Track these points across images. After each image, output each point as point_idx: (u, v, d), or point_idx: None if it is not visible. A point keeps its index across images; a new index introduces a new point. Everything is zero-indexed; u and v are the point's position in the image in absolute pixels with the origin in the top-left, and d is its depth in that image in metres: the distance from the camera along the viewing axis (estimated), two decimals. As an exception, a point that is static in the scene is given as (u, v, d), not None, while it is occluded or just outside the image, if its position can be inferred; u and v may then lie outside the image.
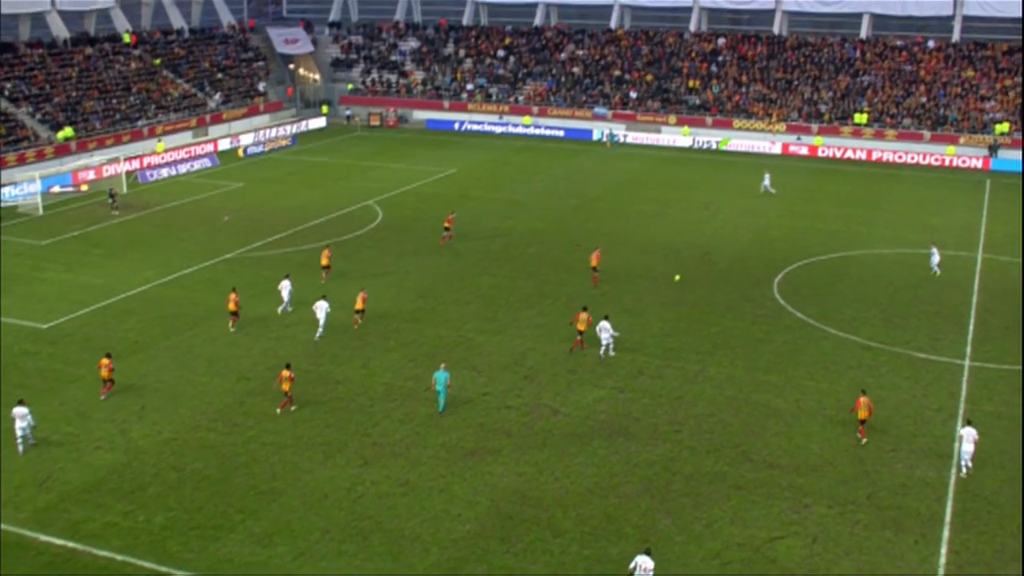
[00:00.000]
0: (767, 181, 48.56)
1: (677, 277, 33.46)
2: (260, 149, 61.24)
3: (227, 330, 28.99)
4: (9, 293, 32.31)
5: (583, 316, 27.47)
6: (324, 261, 33.43)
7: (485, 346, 27.95)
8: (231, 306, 28.97)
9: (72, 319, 29.97)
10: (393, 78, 77.38)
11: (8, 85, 57.31)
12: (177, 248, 38.41)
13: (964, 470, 21.38)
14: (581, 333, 27.22)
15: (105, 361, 24.62)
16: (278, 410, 23.78)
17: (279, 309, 30.26)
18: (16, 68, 59.14)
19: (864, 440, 22.62)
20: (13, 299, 31.75)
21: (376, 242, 39.04)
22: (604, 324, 26.80)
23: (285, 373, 23.87)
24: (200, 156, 57.96)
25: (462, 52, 78.23)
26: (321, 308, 28.06)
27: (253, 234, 40.29)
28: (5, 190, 46.10)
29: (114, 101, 61.05)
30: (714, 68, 69.76)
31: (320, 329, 28.27)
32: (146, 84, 64.44)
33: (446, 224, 38.81)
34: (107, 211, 44.24)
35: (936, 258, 35.17)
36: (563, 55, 75.03)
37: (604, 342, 26.68)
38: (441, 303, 31.57)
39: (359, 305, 29.16)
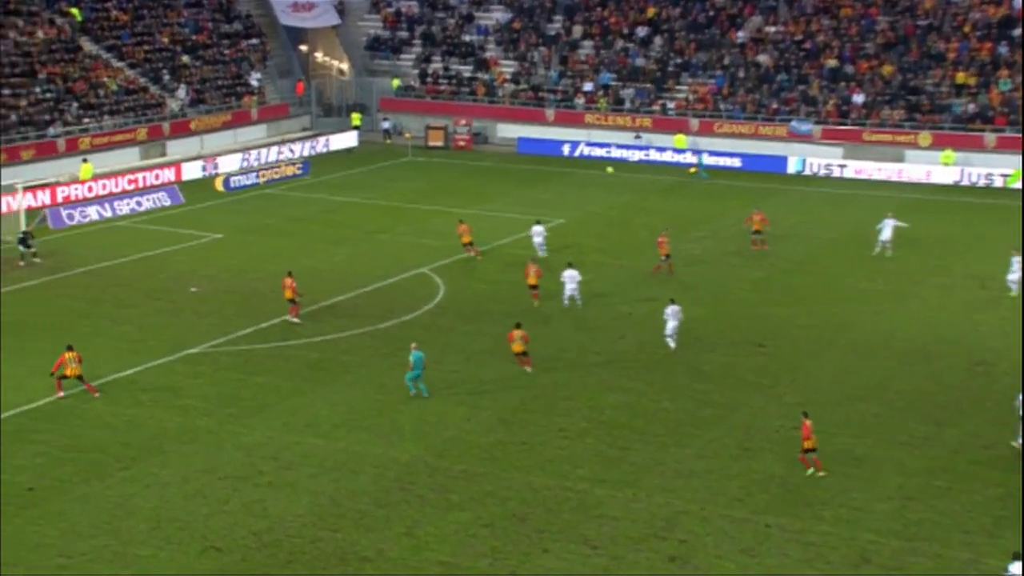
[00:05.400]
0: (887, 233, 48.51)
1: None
2: (251, 180, 63.04)
3: (188, 471, 28.90)
4: None
5: None
6: None
7: (607, 505, 27.68)
8: (288, 293, 34.29)
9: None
10: (467, 70, 78.90)
11: None
12: (110, 335, 38.92)
13: None
14: None
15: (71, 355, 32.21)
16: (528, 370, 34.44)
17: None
18: None
19: None
20: None
21: (434, 333, 39.47)
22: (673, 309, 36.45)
23: (516, 334, 35.09)
24: (153, 188, 59.85)
25: (578, 30, 79.48)
26: None
27: (237, 316, 40.81)
28: None
29: (6, 92, 63.63)
30: (1003, 50, 68.12)
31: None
32: (64, 67, 66.97)
33: (531, 281, 41.69)
34: (6, 265, 45.69)
35: None
36: (742, 34, 75.23)
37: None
38: (536, 433, 31.67)
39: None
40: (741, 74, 72.73)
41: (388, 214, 56.64)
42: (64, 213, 54.08)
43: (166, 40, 73.98)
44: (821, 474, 28.82)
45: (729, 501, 27.90)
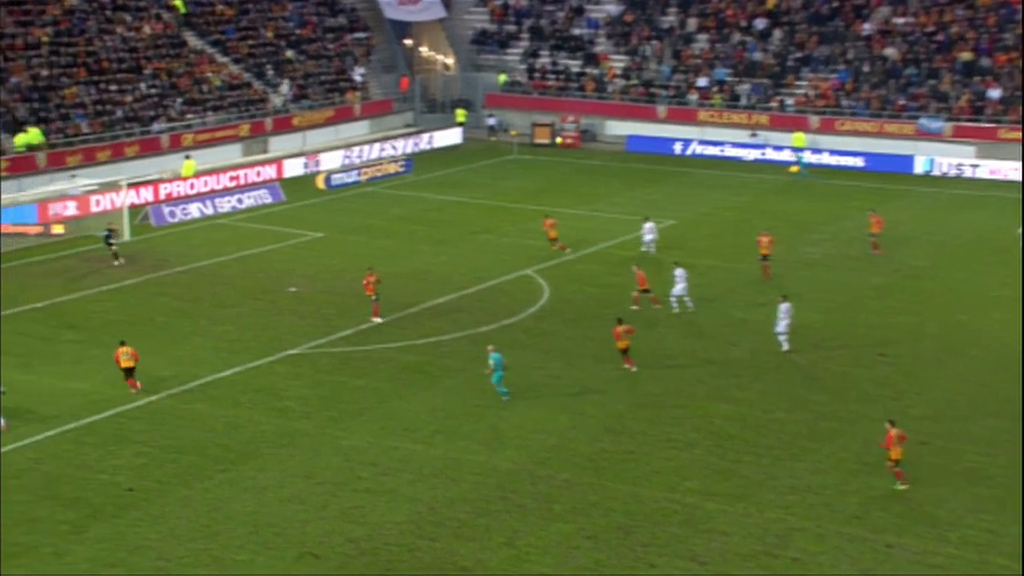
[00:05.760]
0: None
1: None
2: (353, 178, 63.88)
3: (285, 476, 29.34)
4: None
5: None
6: None
7: (717, 520, 27.44)
8: (369, 290, 39.18)
9: (24, 448, 30.92)
10: (575, 65, 78.89)
11: None
12: (209, 335, 39.66)
13: None
14: None
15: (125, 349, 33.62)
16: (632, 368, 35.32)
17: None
18: None
19: None
20: None
21: (537, 337, 39.63)
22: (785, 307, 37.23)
23: (620, 329, 35.89)
24: (254, 185, 60.88)
25: (692, 23, 78.89)
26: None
27: (336, 317, 41.31)
28: None
29: (113, 88, 65.43)
30: None
31: None
32: (169, 62, 68.65)
33: (641, 287, 41.41)
34: (102, 264, 46.78)
35: None
36: (868, 26, 73.97)
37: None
38: (643, 443, 31.53)
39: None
40: (866, 68, 71.48)
41: (492, 214, 56.88)
42: (166, 210, 55.33)
43: (270, 35, 75.26)
44: (904, 487, 28.45)
45: (846, 518, 27.42)
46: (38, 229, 50.69)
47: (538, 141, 73.74)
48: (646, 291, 41.39)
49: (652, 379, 35.73)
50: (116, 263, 46.97)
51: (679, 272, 41.32)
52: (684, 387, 35.24)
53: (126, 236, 51.29)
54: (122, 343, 34.52)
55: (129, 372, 34.25)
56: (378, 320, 40.44)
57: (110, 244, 47.32)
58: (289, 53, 74.40)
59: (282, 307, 42.57)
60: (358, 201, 59.95)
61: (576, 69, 78.02)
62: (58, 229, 50.43)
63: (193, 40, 71.30)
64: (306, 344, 38.67)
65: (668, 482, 29.14)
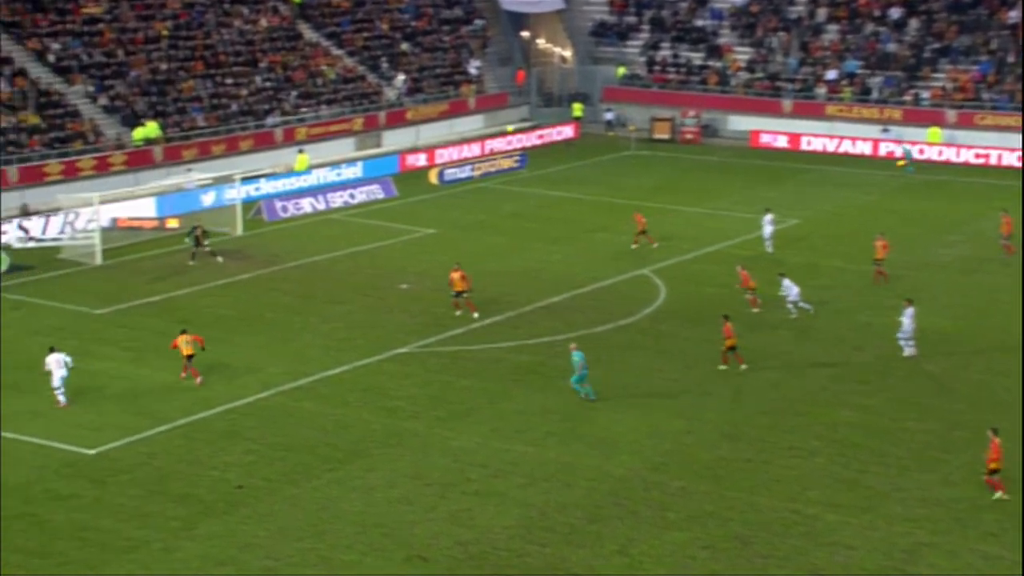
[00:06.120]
0: None
1: None
2: (466, 173, 64.40)
3: (394, 476, 29.74)
4: (36, 393, 34.44)
5: None
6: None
7: (840, 532, 27.11)
8: (458, 286, 40.16)
9: (136, 443, 31.70)
10: (698, 57, 78.30)
11: (56, 46, 63.50)
12: (319, 332, 40.28)
13: None
14: None
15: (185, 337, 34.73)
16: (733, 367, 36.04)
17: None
18: (69, 19, 65.08)
19: None
20: (43, 404, 33.64)
21: (653, 338, 39.64)
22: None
23: (729, 326, 36.16)
24: (366, 181, 61.52)
25: (822, 13, 77.69)
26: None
27: (447, 315, 41.68)
28: (37, 222, 50.89)
29: (229, 81, 66.94)
30: None
31: None
32: (284, 55, 70.04)
33: (745, 286, 41.44)
34: (212, 259, 47.76)
35: None
36: (1014, 14, 72.28)
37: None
38: (763, 451, 31.32)
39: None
40: (1010, 59, 69.66)
41: (608, 211, 56.80)
42: (279, 205, 56.42)
43: (386, 27, 76.28)
44: (1006, 497, 27.91)
45: (981, 535, 26.86)
46: (154, 223, 52.13)
47: (657, 136, 73.45)
48: (751, 290, 41.37)
49: (772, 384, 35.45)
50: (192, 262, 47.53)
51: (786, 283, 40.94)
52: (806, 393, 34.91)
53: (239, 230, 52.52)
54: (183, 331, 35.39)
55: (189, 359, 35.15)
56: (458, 313, 41.06)
57: (198, 243, 47.72)
58: (404, 45, 75.26)
59: (392, 304, 43.13)
60: (471, 197, 60.43)
61: (698, 62, 77.57)
62: (172, 223, 51.79)
63: (308, 33, 72.61)
64: (416, 343, 39.11)
65: (789, 491, 28.86)
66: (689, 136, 73.20)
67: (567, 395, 34.53)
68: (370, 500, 28.42)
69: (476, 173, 64.25)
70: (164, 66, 64.20)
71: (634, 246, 49.46)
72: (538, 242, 51.52)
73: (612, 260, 48.45)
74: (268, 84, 67.39)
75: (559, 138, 73.74)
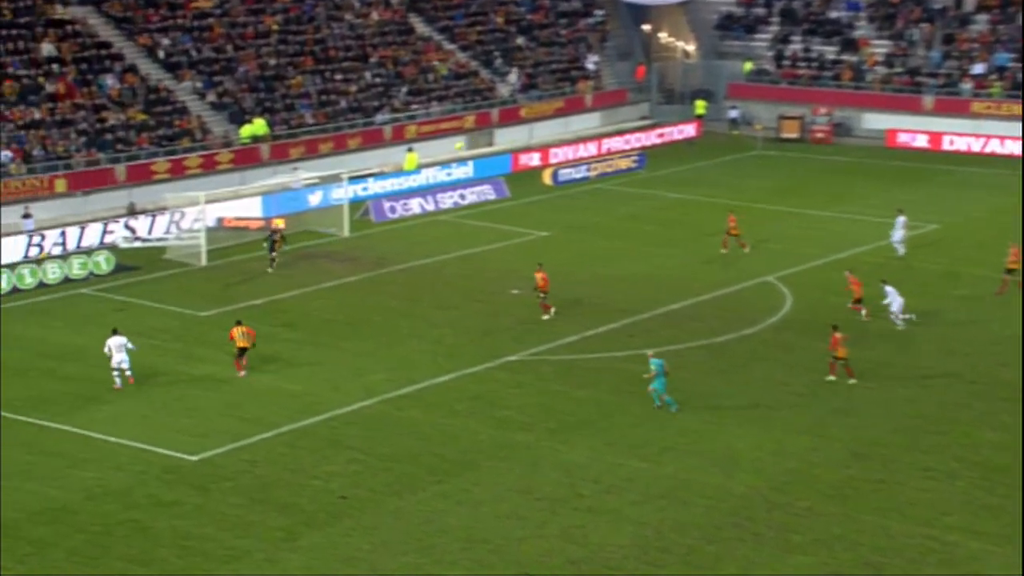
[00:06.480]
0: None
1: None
2: (582, 174, 64.07)
3: (502, 490, 29.55)
4: (137, 398, 35.19)
5: None
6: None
7: (982, 562, 26.57)
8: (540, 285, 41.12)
9: (238, 449, 31.95)
10: (831, 51, 76.79)
11: (165, 42, 64.63)
12: (426, 337, 40.32)
13: None
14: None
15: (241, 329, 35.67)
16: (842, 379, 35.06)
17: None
18: (180, 13, 66.13)
19: None
20: (145, 408, 34.43)
21: (776, 350, 39.26)
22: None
23: (838, 336, 35.44)
24: (477, 181, 61.58)
25: (970, 2, 75.71)
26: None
27: (560, 322, 41.51)
28: (144, 222, 51.66)
29: (338, 77, 67.34)
30: None
31: None
32: (395, 50, 70.27)
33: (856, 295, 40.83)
34: (321, 260, 48.15)
35: None
36: None
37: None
38: (896, 471, 30.78)
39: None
40: None
41: (729, 215, 55.97)
42: (387, 206, 56.65)
43: (500, 20, 76.36)
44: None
45: None
46: (259, 223, 52.67)
47: (785, 135, 72.42)
48: (857, 300, 40.91)
49: (906, 401, 34.73)
50: (270, 270, 47.50)
51: (889, 289, 40.31)
52: (944, 411, 34.19)
53: (346, 232, 52.83)
54: (238, 322, 36.48)
55: (242, 352, 35.88)
56: (546, 317, 41.21)
57: (272, 246, 47.49)
58: (519, 40, 75.21)
59: (503, 310, 43.01)
60: (586, 198, 60.12)
61: (831, 56, 76.20)
62: (279, 223, 52.25)
63: (420, 27, 73.01)
64: (527, 350, 38.96)
65: (924, 516, 28.21)
66: (820, 135, 71.97)
67: (687, 409, 34.05)
68: (477, 514, 28.24)
69: (592, 174, 63.87)
70: (273, 61, 65.09)
71: (723, 250, 48.89)
72: (656, 246, 51.13)
73: (734, 266, 47.84)
74: (378, 80, 67.88)
75: (680, 137, 73.16)
